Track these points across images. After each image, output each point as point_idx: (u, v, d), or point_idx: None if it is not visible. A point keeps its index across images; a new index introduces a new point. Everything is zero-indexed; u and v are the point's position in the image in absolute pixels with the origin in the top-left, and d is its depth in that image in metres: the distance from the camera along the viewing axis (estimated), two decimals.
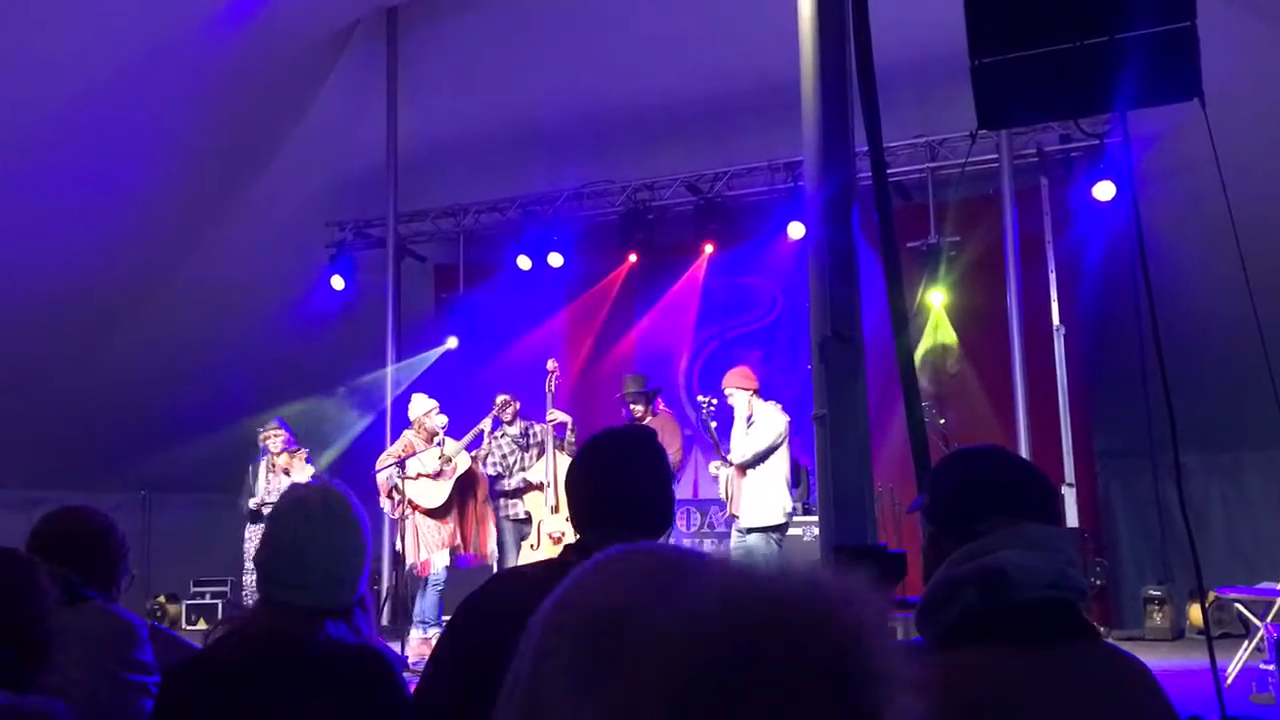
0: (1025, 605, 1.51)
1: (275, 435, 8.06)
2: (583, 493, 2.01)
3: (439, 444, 7.81)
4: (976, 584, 1.52)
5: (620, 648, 0.60)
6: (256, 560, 2.02)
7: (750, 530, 6.89)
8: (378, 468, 7.85)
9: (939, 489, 1.72)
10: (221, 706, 1.89)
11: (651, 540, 1.94)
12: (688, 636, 0.59)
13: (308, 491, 2.08)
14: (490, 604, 1.89)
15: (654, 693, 0.58)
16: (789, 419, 7.05)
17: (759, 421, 6.97)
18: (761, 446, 6.89)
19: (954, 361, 8.76)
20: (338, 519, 1.99)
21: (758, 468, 6.90)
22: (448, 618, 8.15)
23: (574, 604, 0.64)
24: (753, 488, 6.89)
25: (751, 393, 7.11)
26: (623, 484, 1.99)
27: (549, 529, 7.71)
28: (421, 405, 8.02)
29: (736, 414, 7.13)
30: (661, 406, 8.19)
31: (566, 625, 0.63)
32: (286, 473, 7.93)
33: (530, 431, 8.07)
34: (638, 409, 7.87)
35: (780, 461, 6.95)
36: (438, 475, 7.76)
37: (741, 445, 6.96)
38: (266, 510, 7.82)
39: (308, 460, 8.05)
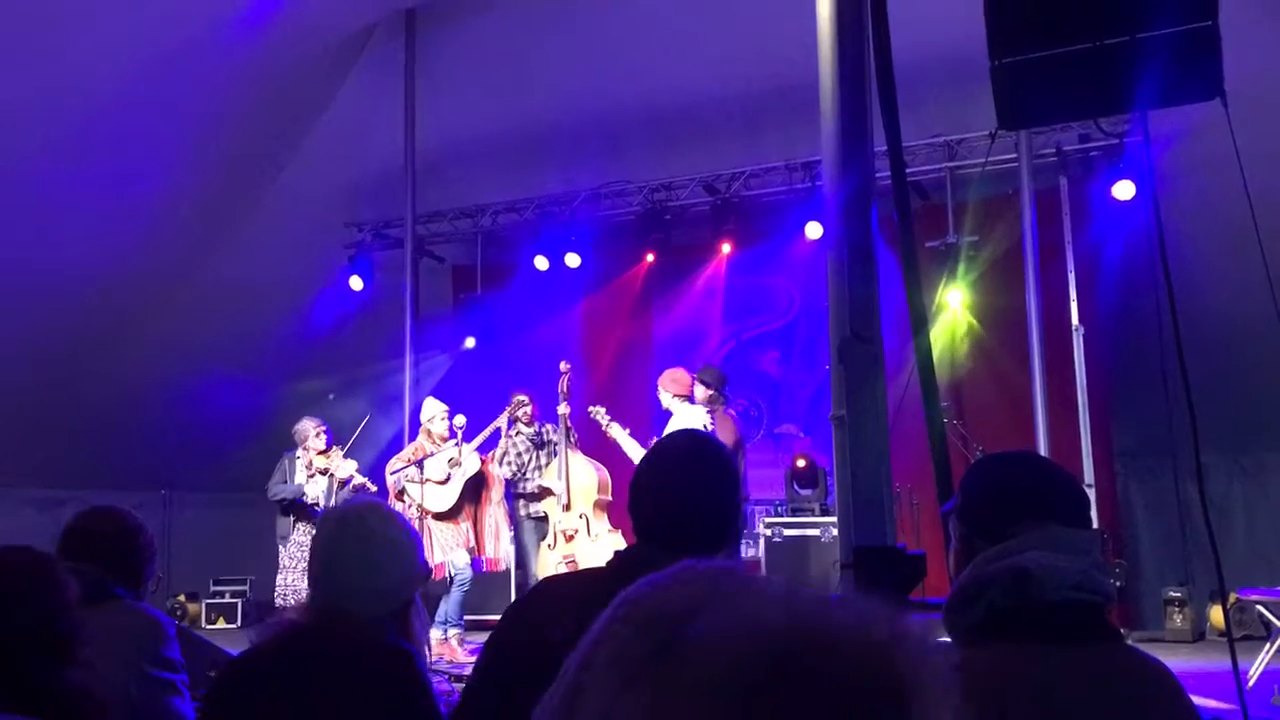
0: (1049, 606, 1.53)
1: (320, 435, 8.04)
2: (643, 504, 1.95)
3: (457, 446, 7.86)
4: (1002, 583, 1.55)
5: (674, 645, 0.59)
6: (309, 571, 2.17)
7: None
8: (389, 471, 7.93)
9: (972, 491, 1.74)
10: (261, 698, 1.96)
11: (710, 556, 1.95)
12: (744, 646, 0.58)
13: (350, 509, 2.22)
14: (533, 613, 1.89)
15: (697, 696, 0.57)
16: (714, 425, 6.95)
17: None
18: None
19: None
20: (375, 535, 2.10)
21: None
22: (469, 617, 8.00)
23: (641, 600, 0.64)
24: None
25: (676, 397, 7.05)
26: (685, 499, 1.92)
27: (562, 527, 7.74)
28: (428, 410, 8.09)
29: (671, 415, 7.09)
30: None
31: (630, 617, 0.63)
32: (324, 473, 7.93)
33: (543, 431, 8.10)
34: (702, 393, 7.52)
35: None
36: (445, 480, 7.82)
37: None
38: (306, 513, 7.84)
39: (346, 456, 8.03)
